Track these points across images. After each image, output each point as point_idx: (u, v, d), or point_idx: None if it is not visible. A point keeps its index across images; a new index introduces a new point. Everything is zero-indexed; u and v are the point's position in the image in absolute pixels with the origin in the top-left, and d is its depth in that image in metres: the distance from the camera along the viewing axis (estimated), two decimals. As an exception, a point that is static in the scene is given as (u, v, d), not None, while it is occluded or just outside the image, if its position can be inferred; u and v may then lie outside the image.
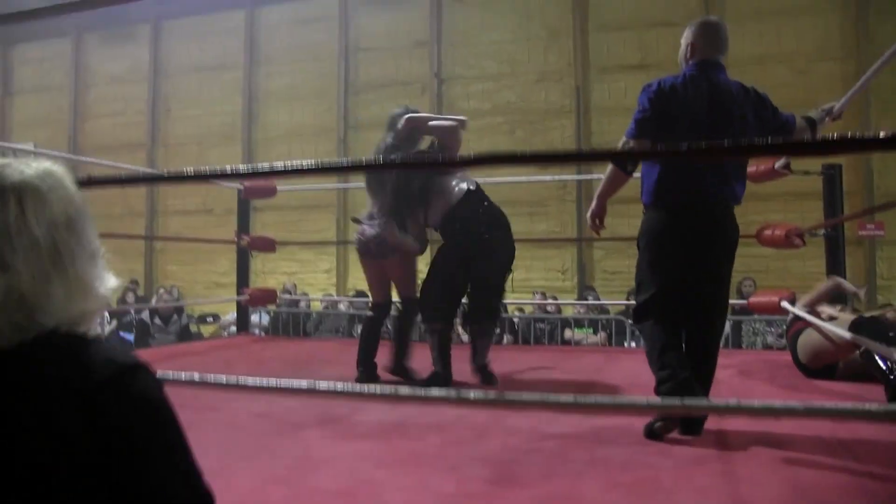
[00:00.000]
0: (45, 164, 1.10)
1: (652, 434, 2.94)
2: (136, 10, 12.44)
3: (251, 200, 7.66)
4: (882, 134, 0.99)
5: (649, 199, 3.09)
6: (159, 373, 1.08)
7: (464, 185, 4.40)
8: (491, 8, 10.52)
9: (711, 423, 3.04)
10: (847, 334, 3.80)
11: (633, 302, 3.30)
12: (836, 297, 4.82)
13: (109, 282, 1.14)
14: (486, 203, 4.39)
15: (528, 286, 9.72)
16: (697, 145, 2.60)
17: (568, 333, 8.04)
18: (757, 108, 3.10)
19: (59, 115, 13.02)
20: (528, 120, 10.29)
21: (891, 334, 4.08)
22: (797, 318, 4.54)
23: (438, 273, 4.27)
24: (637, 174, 3.23)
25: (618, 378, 4.44)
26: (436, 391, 2.51)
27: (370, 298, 4.78)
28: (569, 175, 8.48)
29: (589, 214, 3.26)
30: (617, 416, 3.14)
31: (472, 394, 2.06)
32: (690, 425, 2.96)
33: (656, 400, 2.84)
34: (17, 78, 13.66)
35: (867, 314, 4.43)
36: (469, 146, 10.50)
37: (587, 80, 10.01)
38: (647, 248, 3.10)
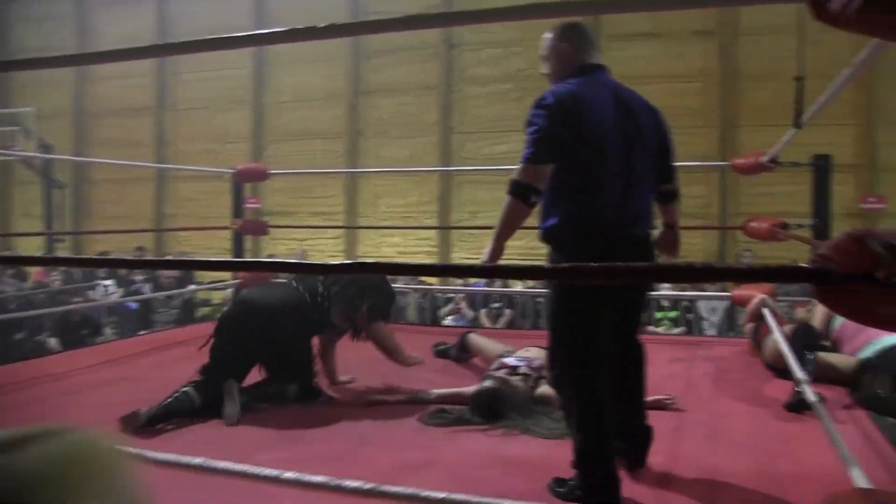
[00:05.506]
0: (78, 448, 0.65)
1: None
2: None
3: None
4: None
5: (566, 231, 2.56)
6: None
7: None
8: (502, -28, 10.41)
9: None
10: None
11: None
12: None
13: None
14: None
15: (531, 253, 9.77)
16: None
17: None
18: (655, 115, 2.75)
19: (62, 77, 12.83)
20: (537, 87, 10.10)
21: (824, 343, 4.36)
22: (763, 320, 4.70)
23: None
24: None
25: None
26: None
27: None
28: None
29: (485, 262, 2.63)
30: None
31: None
32: (635, 455, 2.71)
33: None
34: (16, 37, 13.53)
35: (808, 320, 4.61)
36: (478, 112, 10.61)
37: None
38: (575, 292, 2.52)
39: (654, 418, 2.81)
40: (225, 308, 4.95)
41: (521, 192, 2.49)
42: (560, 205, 2.55)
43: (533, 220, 2.62)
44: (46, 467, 0.59)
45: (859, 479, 2.04)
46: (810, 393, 3.09)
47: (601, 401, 2.48)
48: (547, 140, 2.48)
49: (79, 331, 8.29)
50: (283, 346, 3.83)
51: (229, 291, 7.77)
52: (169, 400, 3.49)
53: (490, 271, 2.21)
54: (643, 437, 2.73)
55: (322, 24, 1.79)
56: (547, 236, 2.60)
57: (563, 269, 1.62)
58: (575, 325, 2.53)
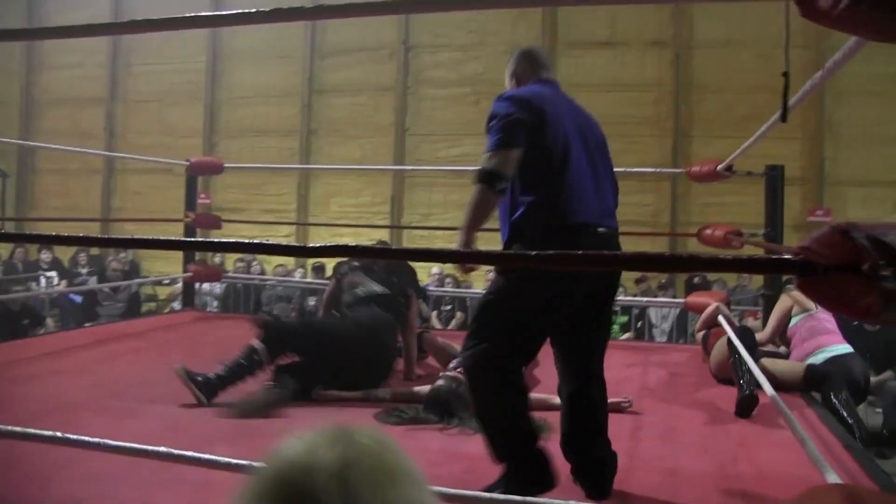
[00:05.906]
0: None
1: None
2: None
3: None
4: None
5: (537, 220, 2.50)
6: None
7: (371, 288, 4.36)
8: (461, -24, 10.42)
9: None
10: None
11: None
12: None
13: None
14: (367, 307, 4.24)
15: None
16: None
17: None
18: (601, 130, 2.80)
19: (11, 65, 12.54)
20: (494, 92, 10.07)
21: (763, 349, 4.49)
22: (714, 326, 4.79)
23: None
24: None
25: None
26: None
27: None
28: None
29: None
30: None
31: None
32: (599, 487, 2.56)
33: None
34: (-37, 22, 13.16)
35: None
36: (434, 114, 10.59)
37: (554, 53, 10.00)
38: (531, 287, 2.44)
39: (610, 421, 2.81)
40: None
41: (488, 179, 2.41)
42: (528, 196, 2.50)
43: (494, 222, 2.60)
44: (373, 452, 0.73)
45: (830, 477, 2.06)
46: (758, 373, 3.15)
47: (521, 387, 2.54)
48: (514, 125, 2.46)
49: (19, 321, 8.01)
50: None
51: (178, 286, 7.65)
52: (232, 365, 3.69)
53: (462, 256, 2.20)
54: (609, 464, 2.60)
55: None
56: (514, 229, 2.54)
57: (547, 255, 1.54)
58: (511, 315, 2.47)
